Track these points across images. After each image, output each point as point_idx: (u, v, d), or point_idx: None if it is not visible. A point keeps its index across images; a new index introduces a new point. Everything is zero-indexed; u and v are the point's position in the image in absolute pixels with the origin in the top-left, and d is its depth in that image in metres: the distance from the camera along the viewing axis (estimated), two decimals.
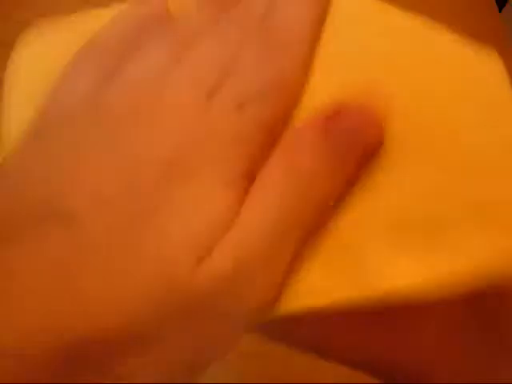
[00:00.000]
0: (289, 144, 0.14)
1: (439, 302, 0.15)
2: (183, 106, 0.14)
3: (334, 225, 0.14)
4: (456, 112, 0.16)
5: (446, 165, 0.15)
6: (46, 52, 0.20)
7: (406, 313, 0.17)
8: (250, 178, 0.13)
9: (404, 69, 0.17)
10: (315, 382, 0.34)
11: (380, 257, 0.14)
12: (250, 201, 0.13)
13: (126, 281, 0.12)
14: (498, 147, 0.15)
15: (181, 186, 0.13)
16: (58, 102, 0.15)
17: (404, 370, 0.17)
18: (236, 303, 0.13)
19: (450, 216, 0.14)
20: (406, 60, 0.18)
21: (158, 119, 0.14)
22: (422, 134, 0.15)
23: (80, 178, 0.13)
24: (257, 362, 0.34)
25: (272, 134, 0.14)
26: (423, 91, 0.16)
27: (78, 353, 0.12)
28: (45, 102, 0.16)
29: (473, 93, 0.17)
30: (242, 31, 0.15)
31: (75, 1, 0.48)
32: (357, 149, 0.14)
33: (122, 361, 0.12)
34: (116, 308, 0.12)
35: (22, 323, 0.12)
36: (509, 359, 0.17)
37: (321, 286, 0.14)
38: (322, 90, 0.15)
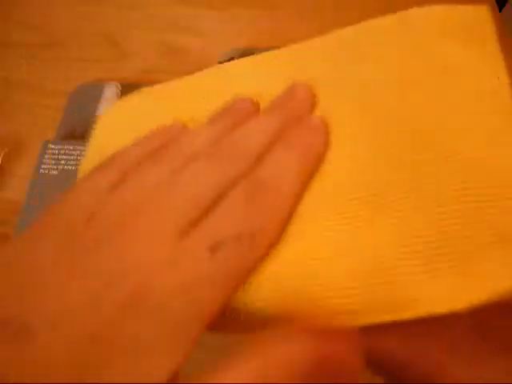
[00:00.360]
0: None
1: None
2: (156, 238, 0.14)
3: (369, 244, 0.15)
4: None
5: (468, 192, 0.15)
6: (129, 117, 0.22)
7: (428, 320, 0.17)
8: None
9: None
10: None
11: (414, 282, 0.14)
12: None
13: None
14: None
15: (135, 325, 0.13)
16: (60, 207, 0.16)
17: (419, 369, 0.17)
18: None
19: (475, 242, 0.15)
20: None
21: (131, 244, 0.14)
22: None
23: (47, 293, 0.13)
24: None
25: (239, 284, 0.14)
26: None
27: None
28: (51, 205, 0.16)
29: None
30: (235, 167, 0.16)
31: (75, 1, 0.47)
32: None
33: None
34: None
35: None
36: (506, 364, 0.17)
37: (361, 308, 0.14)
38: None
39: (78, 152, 0.33)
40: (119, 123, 0.22)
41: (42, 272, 0.14)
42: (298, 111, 0.18)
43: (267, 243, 0.14)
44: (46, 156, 0.33)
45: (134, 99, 0.22)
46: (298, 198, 0.16)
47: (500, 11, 0.52)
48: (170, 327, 0.13)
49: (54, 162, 0.33)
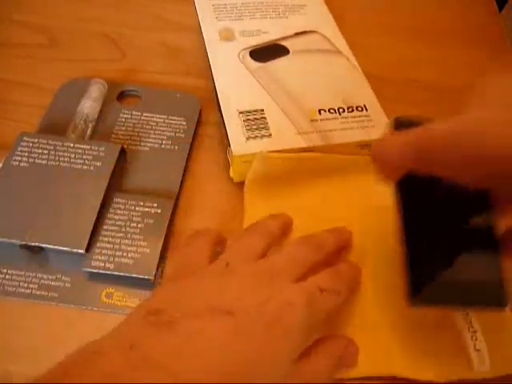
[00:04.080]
0: None
1: None
2: (285, 280, 0.25)
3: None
4: None
5: None
6: (272, 174, 0.34)
7: None
8: None
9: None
10: None
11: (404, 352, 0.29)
12: None
13: None
14: None
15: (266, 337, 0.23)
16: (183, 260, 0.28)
17: None
18: None
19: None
20: None
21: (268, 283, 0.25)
22: None
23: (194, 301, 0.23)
24: None
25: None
26: None
27: None
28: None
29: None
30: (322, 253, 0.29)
31: (75, 1, 0.48)
32: None
33: None
34: None
35: None
36: None
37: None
38: None
39: (52, 147, 0.34)
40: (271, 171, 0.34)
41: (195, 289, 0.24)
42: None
43: (343, 300, 0.27)
44: (20, 148, 0.33)
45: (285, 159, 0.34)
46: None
47: (500, 11, 0.50)
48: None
49: (26, 154, 0.33)
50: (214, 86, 0.38)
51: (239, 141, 0.34)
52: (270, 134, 0.35)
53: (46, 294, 0.30)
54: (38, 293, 0.30)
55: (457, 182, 0.23)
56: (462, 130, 0.20)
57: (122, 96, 0.40)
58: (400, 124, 0.30)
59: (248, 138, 0.34)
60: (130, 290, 0.31)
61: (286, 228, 0.31)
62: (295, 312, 0.23)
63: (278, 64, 0.39)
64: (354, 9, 0.50)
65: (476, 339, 0.27)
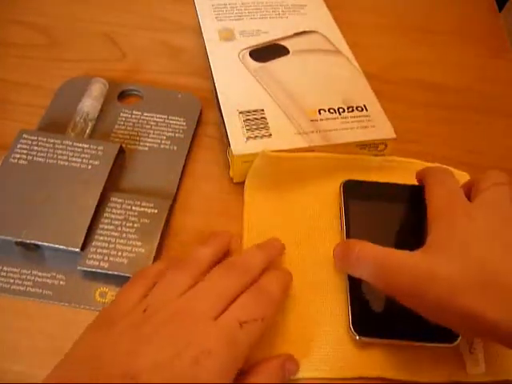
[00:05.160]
0: None
1: None
2: (201, 320, 0.24)
3: None
4: None
5: None
6: (271, 173, 0.34)
7: None
8: None
9: None
10: None
11: None
12: None
13: None
14: None
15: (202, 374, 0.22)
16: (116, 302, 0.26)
17: None
18: None
19: None
20: None
21: (183, 326, 0.24)
22: None
23: (143, 357, 0.22)
24: None
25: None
26: None
27: None
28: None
29: None
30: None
31: (75, 1, 0.49)
32: None
33: None
34: None
35: None
36: None
37: None
38: None
39: (51, 145, 0.34)
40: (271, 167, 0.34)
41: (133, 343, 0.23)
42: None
43: (268, 322, 0.26)
44: (19, 145, 0.33)
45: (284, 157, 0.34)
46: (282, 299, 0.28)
47: (500, 11, 0.50)
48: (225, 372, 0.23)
49: (25, 151, 0.33)
50: (214, 86, 0.37)
51: (239, 141, 0.34)
52: (270, 134, 0.34)
53: (41, 291, 0.30)
54: (32, 290, 0.30)
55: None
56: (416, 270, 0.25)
57: (122, 95, 0.40)
58: (349, 188, 0.33)
59: (248, 138, 0.34)
60: None
61: (221, 251, 0.30)
62: (214, 360, 0.22)
63: (278, 64, 0.39)
64: (354, 9, 0.50)
65: (472, 342, 0.27)
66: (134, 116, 0.38)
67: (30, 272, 0.30)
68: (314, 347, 0.28)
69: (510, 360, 0.28)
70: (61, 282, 0.30)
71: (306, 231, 0.33)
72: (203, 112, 0.40)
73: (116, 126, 0.38)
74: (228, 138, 0.34)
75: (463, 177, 0.36)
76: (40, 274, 0.30)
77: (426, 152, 0.37)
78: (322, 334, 0.29)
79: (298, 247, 0.32)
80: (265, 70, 0.39)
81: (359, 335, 0.28)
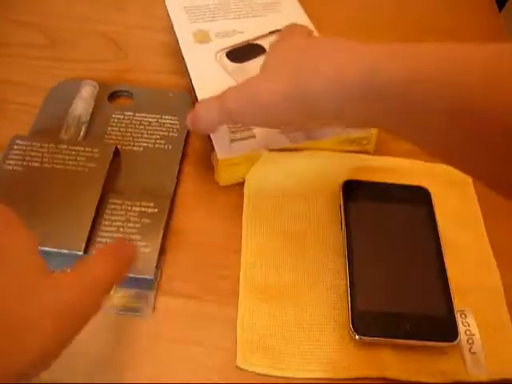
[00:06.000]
0: None
1: None
2: None
3: None
4: None
5: None
6: (269, 173, 0.35)
7: None
8: None
9: None
10: None
11: None
12: None
13: None
14: None
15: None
16: None
17: None
18: None
19: None
20: None
21: None
22: None
23: None
24: None
25: None
26: None
27: None
28: None
29: None
30: None
31: (73, 1, 0.49)
32: None
33: None
34: None
35: None
36: None
37: None
38: None
39: (46, 149, 0.34)
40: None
41: None
42: None
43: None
44: (13, 152, 0.33)
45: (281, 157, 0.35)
46: None
47: (500, 11, 0.49)
48: None
49: (20, 157, 0.33)
50: (193, 89, 0.37)
51: (223, 144, 0.33)
52: (254, 136, 0.34)
53: None
54: None
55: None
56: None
57: (113, 97, 0.40)
58: (349, 188, 0.33)
59: (232, 141, 0.34)
60: (130, 290, 0.30)
61: None
62: None
63: (256, 64, 0.37)
64: (328, 5, 0.49)
65: (472, 342, 0.27)
66: (126, 117, 0.38)
67: None
68: (314, 347, 0.28)
69: (510, 360, 0.28)
70: None
71: (305, 231, 0.33)
72: None
73: (109, 128, 0.37)
74: (212, 143, 0.34)
75: (463, 177, 0.36)
76: None
77: (425, 152, 0.37)
78: (321, 333, 0.29)
79: (297, 247, 0.32)
80: (242, 70, 0.38)
81: (359, 335, 0.27)
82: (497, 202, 0.35)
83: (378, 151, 0.37)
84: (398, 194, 0.33)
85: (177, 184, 0.35)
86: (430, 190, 0.34)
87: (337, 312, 0.29)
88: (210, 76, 0.38)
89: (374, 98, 0.23)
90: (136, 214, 0.32)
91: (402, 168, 0.36)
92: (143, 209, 0.32)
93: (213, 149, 0.34)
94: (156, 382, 0.27)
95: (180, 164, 0.36)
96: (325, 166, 0.35)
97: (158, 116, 0.38)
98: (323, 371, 0.27)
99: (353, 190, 0.33)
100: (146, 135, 0.37)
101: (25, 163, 0.33)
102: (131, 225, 0.31)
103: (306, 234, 0.32)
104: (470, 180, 0.35)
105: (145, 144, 0.37)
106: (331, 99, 0.24)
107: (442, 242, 0.31)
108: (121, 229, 0.31)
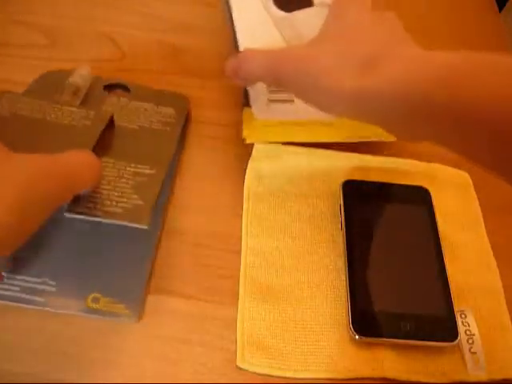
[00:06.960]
0: None
1: None
2: None
3: None
4: None
5: None
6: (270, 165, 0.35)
7: None
8: None
9: None
10: None
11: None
12: None
13: None
14: None
15: None
16: None
17: None
18: None
19: None
20: None
21: None
22: None
23: None
24: None
25: None
26: None
27: None
28: None
29: None
30: None
31: (73, 1, 0.49)
32: None
33: None
34: None
35: None
36: None
37: None
38: None
39: (38, 106, 0.32)
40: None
41: None
42: None
43: None
44: (2, 100, 0.32)
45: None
46: None
47: (500, 11, 0.49)
48: None
49: (7, 105, 0.31)
50: (235, 38, 0.35)
51: (260, 103, 0.32)
52: (293, 100, 0.33)
53: (32, 297, 0.28)
54: (22, 296, 0.28)
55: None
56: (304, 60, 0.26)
57: (109, 89, 0.39)
58: (349, 188, 0.33)
59: (270, 101, 0.32)
60: (117, 296, 0.29)
61: None
62: None
63: (303, 16, 0.36)
64: None
65: (473, 342, 0.27)
66: (121, 102, 0.37)
67: (22, 278, 0.29)
68: (314, 347, 0.28)
69: (510, 360, 0.28)
70: (52, 288, 0.29)
71: (305, 231, 0.33)
72: (194, 112, 0.39)
73: (103, 108, 0.36)
74: (248, 98, 0.32)
75: (463, 177, 0.36)
76: (31, 279, 0.29)
77: (425, 152, 0.37)
78: (321, 333, 0.29)
79: (297, 247, 0.32)
80: (289, 22, 0.36)
81: (359, 335, 0.27)
82: (497, 202, 0.36)
83: (379, 151, 0.37)
84: (398, 194, 0.33)
85: (175, 182, 0.35)
86: (430, 190, 0.34)
87: (337, 312, 0.29)
88: (255, 23, 0.36)
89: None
90: (130, 172, 0.30)
91: (402, 168, 0.36)
92: (139, 170, 0.31)
93: (247, 105, 0.32)
94: (156, 382, 0.27)
95: (177, 165, 0.36)
96: (325, 165, 0.35)
97: (155, 107, 0.37)
98: (323, 371, 0.27)
99: (353, 190, 0.33)
100: (142, 118, 0.36)
101: (13, 110, 0.31)
102: (124, 180, 0.30)
103: (305, 234, 0.32)
104: (470, 180, 0.36)
105: (141, 124, 0.35)
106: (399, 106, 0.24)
107: (442, 242, 0.31)
108: (112, 183, 0.29)
